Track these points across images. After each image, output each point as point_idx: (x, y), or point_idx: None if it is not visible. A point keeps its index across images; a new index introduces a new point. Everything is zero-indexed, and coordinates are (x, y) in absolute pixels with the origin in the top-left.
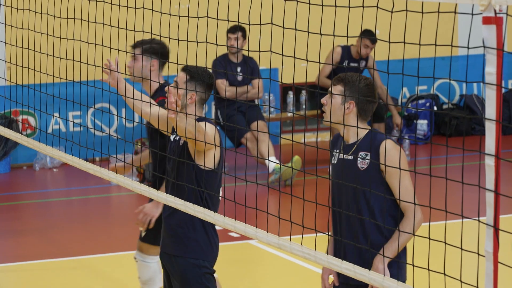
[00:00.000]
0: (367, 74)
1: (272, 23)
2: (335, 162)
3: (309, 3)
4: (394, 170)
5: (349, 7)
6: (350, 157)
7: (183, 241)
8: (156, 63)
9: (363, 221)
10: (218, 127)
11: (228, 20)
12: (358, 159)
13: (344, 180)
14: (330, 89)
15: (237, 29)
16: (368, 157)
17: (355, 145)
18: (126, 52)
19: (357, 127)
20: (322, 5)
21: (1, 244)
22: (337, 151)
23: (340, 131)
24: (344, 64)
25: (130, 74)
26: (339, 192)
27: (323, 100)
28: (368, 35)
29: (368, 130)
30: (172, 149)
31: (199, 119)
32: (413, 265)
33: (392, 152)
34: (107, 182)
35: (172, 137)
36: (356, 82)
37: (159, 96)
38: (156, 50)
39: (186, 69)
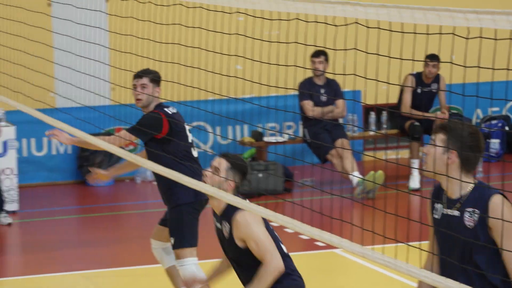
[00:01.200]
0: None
1: (356, 49)
2: (439, 217)
3: (390, 30)
4: (506, 229)
5: (427, 34)
6: (456, 214)
7: None
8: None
9: (470, 277)
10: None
11: (315, 45)
12: (465, 216)
13: (450, 237)
14: (432, 137)
15: (320, 54)
16: (476, 214)
17: (460, 200)
18: (219, 74)
19: (461, 181)
20: (403, 32)
21: (105, 251)
22: (440, 204)
23: (442, 183)
24: (419, 90)
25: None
26: (444, 247)
27: (424, 150)
28: (430, 57)
29: (474, 184)
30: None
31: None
32: None
33: (503, 209)
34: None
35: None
36: (459, 130)
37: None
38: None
39: (227, 156)
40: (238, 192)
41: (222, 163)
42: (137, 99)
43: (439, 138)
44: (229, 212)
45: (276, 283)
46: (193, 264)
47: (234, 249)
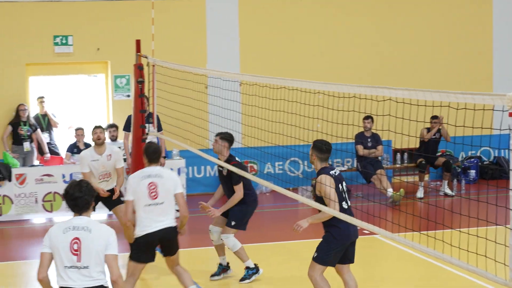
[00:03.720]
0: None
1: (389, 115)
2: None
3: (411, 104)
4: None
5: (432, 106)
6: None
7: None
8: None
9: None
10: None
11: (364, 112)
12: None
13: None
14: None
15: (369, 117)
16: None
17: None
18: (307, 129)
19: None
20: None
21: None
22: None
23: None
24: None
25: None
26: None
27: None
28: (433, 117)
29: None
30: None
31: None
32: None
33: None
34: (295, 200)
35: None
36: None
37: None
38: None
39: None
40: (322, 162)
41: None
42: None
43: None
44: (317, 175)
45: (331, 225)
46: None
47: (316, 195)
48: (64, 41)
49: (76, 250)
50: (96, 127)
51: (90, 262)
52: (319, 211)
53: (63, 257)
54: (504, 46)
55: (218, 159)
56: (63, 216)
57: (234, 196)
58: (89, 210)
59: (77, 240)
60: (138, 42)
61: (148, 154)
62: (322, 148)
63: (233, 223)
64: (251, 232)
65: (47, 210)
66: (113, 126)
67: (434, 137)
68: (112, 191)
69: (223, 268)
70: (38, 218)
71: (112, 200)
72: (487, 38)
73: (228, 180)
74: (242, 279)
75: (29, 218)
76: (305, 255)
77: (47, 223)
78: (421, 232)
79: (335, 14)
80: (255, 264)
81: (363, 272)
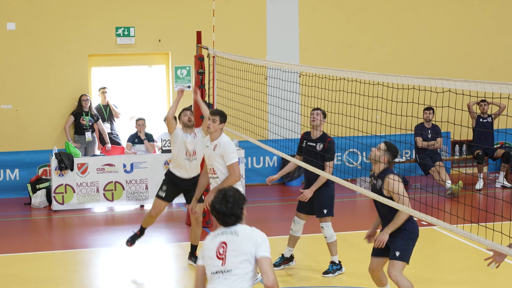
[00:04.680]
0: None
1: (449, 106)
2: None
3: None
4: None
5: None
6: None
7: None
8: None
9: None
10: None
11: (424, 104)
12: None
13: None
14: None
15: (430, 108)
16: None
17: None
18: (367, 121)
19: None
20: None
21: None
22: None
23: None
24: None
25: None
26: None
27: None
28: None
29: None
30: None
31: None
32: None
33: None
34: (353, 191)
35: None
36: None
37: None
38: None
39: (386, 143)
40: (389, 165)
41: (381, 145)
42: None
43: None
44: (383, 173)
45: (406, 221)
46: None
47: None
48: (126, 33)
49: (221, 254)
50: (185, 109)
51: (235, 266)
52: (381, 204)
53: (210, 263)
54: None
55: (309, 134)
56: (124, 205)
57: (324, 173)
58: (243, 220)
59: (223, 244)
60: (199, 34)
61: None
62: (396, 155)
63: (325, 211)
64: (308, 222)
65: (108, 199)
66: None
67: (485, 120)
68: (195, 179)
69: (285, 259)
70: (99, 207)
71: (192, 191)
72: None
73: (319, 156)
74: (326, 273)
75: (90, 207)
76: (362, 245)
77: (108, 212)
78: (480, 223)
79: (395, 5)
80: (339, 261)
81: (421, 263)
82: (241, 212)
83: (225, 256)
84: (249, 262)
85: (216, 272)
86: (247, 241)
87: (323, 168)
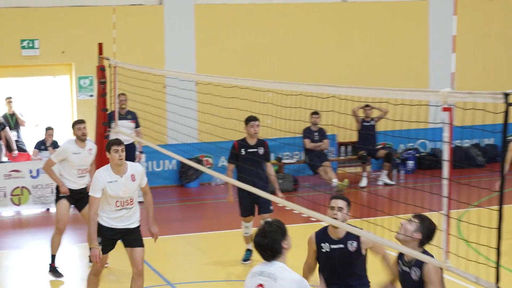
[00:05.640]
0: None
1: (333, 111)
2: None
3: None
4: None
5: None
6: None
7: None
8: None
9: None
10: None
11: (311, 109)
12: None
13: None
14: None
15: (316, 113)
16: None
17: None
18: (260, 126)
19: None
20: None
21: (195, 223)
22: None
23: None
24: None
25: None
26: None
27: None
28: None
29: None
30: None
31: None
32: None
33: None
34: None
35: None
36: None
37: None
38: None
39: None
40: (422, 246)
41: (412, 224)
42: None
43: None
44: (421, 261)
45: None
46: None
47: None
48: (30, 45)
49: None
50: (79, 122)
51: None
52: None
53: None
54: (439, 49)
55: (245, 141)
56: (31, 209)
57: (272, 171)
58: (282, 254)
59: (260, 287)
60: (100, 45)
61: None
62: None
63: (271, 207)
64: (208, 220)
65: (15, 204)
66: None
67: (368, 123)
68: (85, 190)
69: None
70: (6, 211)
71: (83, 200)
72: (423, 44)
73: (263, 159)
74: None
75: None
76: None
77: (15, 216)
78: (363, 219)
79: (283, 17)
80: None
81: None
82: (279, 245)
83: None
84: None
85: None
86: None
87: (264, 170)
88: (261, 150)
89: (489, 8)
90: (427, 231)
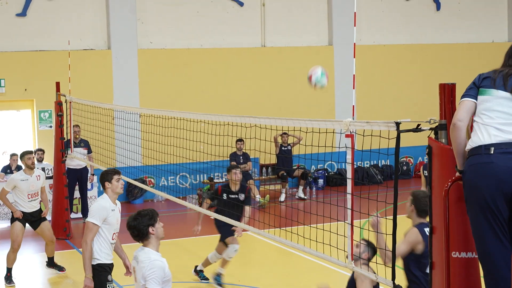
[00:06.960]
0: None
1: (255, 138)
2: None
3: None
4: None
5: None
6: None
7: None
8: None
9: None
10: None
11: (238, 137)
12: None
13: None
14: None
15: (240, 140)
16: None
17: None
18: (193, 151)
19: None
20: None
21: None
22: None
23: None
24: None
25: None
26: None
27: None
28: (282, 134)
29: None
30: None
31: None
32: None
33: None
34: (184, 206)
35: None
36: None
37: None
38: None
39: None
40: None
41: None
42: None
43: None
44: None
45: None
46: None
47: None
48: None
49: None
50: (29, 153)
51: None
52: None
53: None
54: (342, 85)
55: (228, 187)
56: None
57: (248, 214)
58: (150, 239)
59: (132, 271)
60: (57, 84)
61: None
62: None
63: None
64: None
65: None
66: (41, 150)
67: (285, 148)
68: (39, 212)
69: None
70: None
71: (36, 221)
72: (330, 82)
73: (243, 203)
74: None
75: None
76: (194, 250)
77: None
78: (282, 228)
79: (211, 61)
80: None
81: (237, 261)
82: (145, 229)
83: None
84: None
85: None
86: (141, 270)
87: (240, 212)
88: (241, 196)
89: (382, 52)
90: (372, 251)
